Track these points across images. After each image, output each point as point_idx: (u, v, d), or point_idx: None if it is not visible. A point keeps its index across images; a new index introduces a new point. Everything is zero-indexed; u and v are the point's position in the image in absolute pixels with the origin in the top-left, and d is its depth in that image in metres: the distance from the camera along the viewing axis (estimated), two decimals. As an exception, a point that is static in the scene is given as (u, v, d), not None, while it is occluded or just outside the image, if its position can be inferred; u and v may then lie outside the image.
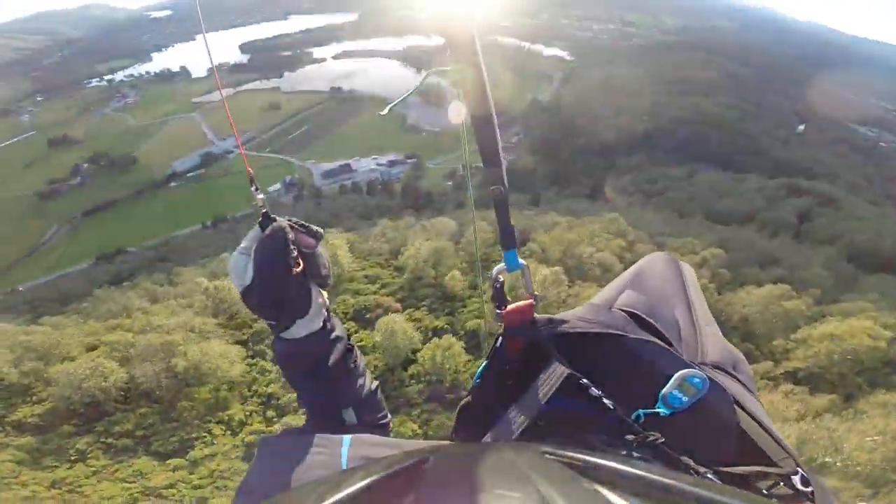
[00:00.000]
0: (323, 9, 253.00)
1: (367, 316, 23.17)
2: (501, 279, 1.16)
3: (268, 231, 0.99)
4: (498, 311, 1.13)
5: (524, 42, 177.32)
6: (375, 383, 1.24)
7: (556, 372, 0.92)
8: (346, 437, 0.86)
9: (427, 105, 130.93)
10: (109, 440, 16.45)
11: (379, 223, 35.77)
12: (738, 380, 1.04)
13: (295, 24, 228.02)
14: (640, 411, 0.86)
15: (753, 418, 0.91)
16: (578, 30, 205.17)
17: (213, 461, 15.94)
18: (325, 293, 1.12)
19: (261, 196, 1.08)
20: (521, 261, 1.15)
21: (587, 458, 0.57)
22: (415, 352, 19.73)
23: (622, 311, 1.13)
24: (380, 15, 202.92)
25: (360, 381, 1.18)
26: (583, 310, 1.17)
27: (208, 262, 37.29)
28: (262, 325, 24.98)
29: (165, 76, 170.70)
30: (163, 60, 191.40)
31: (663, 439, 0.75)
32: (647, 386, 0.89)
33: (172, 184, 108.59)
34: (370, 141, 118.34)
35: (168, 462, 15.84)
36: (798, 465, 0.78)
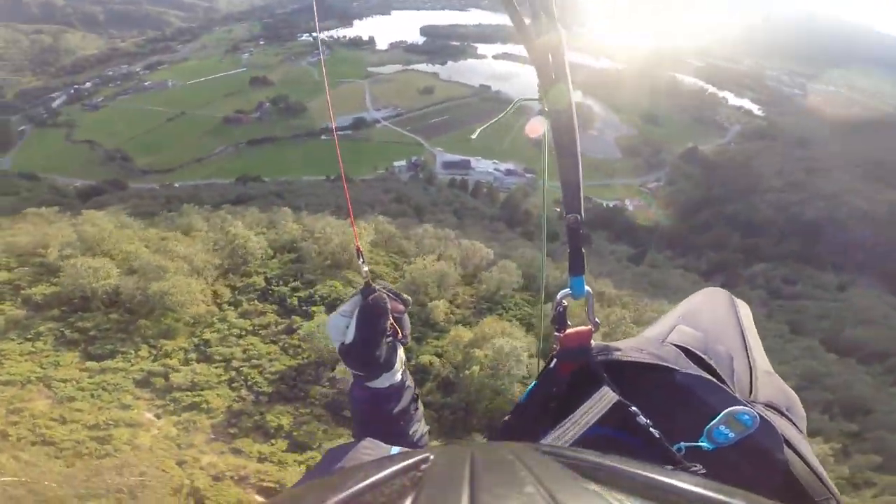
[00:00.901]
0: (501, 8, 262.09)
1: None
2: (565, 303, 1.19)
3: (371, 299, 1.16)
4: (557, 333, 1.18)
5: (709, 85, 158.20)
6: (426, 428, 1.37)
7: (606, 398, 0.92)
8: (395, 447, 0.95)
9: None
10: (66, 331, 19.19)
11: (423, 227, 35.11)
12: (791, 421, 1.04)
13: (472, 17, 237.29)
14: (682, 444, 0.85)
15: (802, 458, 0.89)
16: (785, 85, 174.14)
17: (116, 375, 17.46)
18: (402, 350, 1.29)
19: (366, 268, 1.28)
20: (587, 288, 1.18)
21: (587, 458, 0.56)
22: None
23: (675, 345, 1.13)
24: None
25: (416, 427, 1.31)
26: (635, 341, 1.17)
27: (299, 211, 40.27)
28: (249, 280, 26.59)
29: (356, 42, 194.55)
30: (359, 28, 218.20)
31: (704, 471, 0.73)
32: (694, 420, 0.89)
33: (323, 137, 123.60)
34: (498, 144, 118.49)
35: (85, 363, 17.79)
36: None
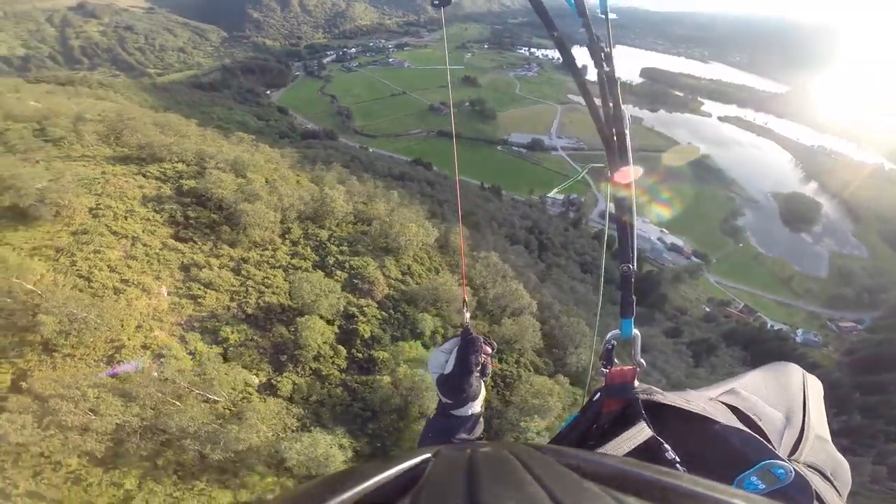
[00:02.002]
0: (755, 70, 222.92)
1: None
2: (614, 343, 1.38)
3: (470, 341, 1.47)
4: (604, 369, 1.35)
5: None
6: None
7: (642, 432, 1.00)
8: None
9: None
10: (179, 213, 27.94)
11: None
12: (833, 485, 1.11)
13: (711, 71, 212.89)
14: None
15: None
16: None
17: (174, 254, 22.90)
18: (484, 386, 1.58)
19: (468, 316, 1.61)
20: (634, 330, 1.35)
21: (587, 458, 0.59)
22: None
23: (723, 403, 1.23)
24: (811, 99, 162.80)
25: None
26: (686, 393, 1.27)
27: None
28: (317, 231, 30.30)
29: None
30: (576, 54, 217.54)
31: None
32: (727, 468, 0.94)
33: (499, 147, 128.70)
34: (678, 213, 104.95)
35: (168, 238, 23.97)
36: None
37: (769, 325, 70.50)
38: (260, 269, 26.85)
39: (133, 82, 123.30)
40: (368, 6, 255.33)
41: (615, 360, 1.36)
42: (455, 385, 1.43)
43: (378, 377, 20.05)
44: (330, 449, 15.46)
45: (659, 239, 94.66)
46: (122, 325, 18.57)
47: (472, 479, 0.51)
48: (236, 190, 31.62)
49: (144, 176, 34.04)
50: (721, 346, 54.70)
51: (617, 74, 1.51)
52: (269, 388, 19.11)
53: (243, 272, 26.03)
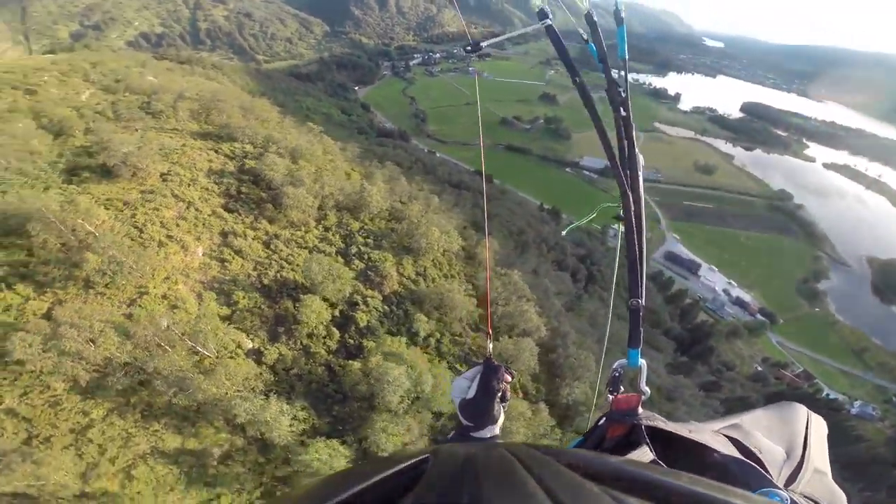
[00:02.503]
0: (879, 115, 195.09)
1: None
2: (621, 370, 1.49)
3: (493, 370, 1.61)
4: (610, 395, 1.44)
5: None
6: None
7: (643, 457, 1.04)
8: None
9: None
10: (234, 188, 31.68)
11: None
12: None
13: (825, 111, 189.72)
14: None
15: None
16: None
17: (218, 222, 26.09)
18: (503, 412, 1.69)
19: (491, 346, 1.80)
20: (641, 360, 1.46)
21: (587, 458, 0.59)
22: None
23: (725, 435, 1.30)
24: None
25: None
26: (690, 424, 1.33)
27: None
28: (350, 221, 32.41)
29: (658, 93, 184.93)
30: (671, 81, 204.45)
31: None
32: None
33: (568, 169, 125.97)
34: (751, 265, 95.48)
35: (218, 208, 27.38)
36: None
37: (824, 393, 62.72)
38: (287, 247, 29.31)
39: (242, 66, 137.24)
40: (458, 14, 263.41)
41: (621, 387, 1.45)
42: (477, 409, 1.55)
43: (351, 362, 21.09)
44: (280, 416, 16.71)
45: (724, 291, 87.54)
46: (153, 275, 21.51)
47: (472, 479, 0.51)
48: (286, 174, 34.75)
49: (216, 152, 38.52)
50: (760, 406, 49.31)
51: (632, 118, 1.71)
52: (257, 354, 21.02)
53: (272, 246, 28.63)
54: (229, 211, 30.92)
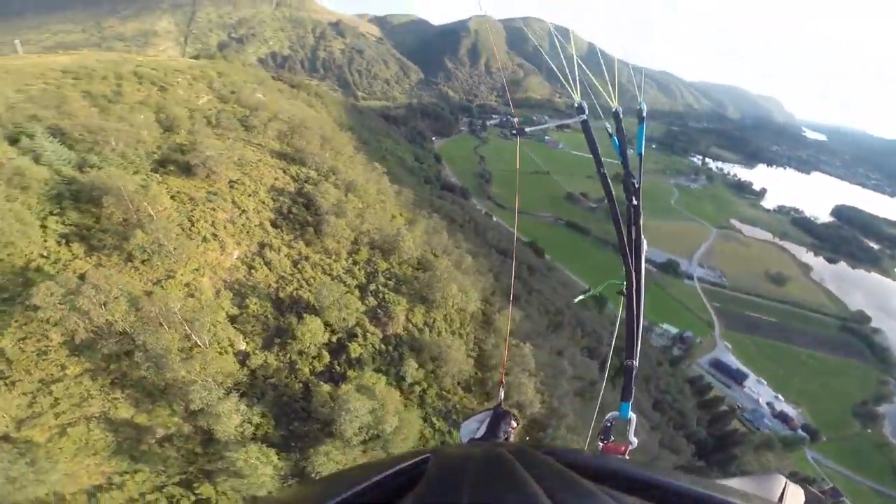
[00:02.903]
0: None
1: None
2: (612, 421, 1.64)
3: (502, 415, 1.82)
4: (601, 443, 1.57)
5: None
6: None
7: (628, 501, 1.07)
8: None
9: None
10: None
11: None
12: None
13: None
14: None
15: None
16: None
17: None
18: None
19: (502, 394, 2.12)
20: (631, 413, 1.61)
21: (586, 458, 0.61)
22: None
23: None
24: None
25: None
26: (688, 485, 1.23)
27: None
28: (375, 261, 34.17)
29: (741, 186, 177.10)
30: (758, 174, 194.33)
31: None
32: None
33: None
34: (805, 379, 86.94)
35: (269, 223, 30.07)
36: None
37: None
38: (313, 270, 31.36)
39: (342, 100, 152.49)
40: (544, 81, 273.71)
41: (612, 436, 1.59)
42: None
43: (323, 385, 21.60)
44: (232, 413, 17.40)
45: (768, 403, 79.74)
46: (186, 263, 24.10)
47: (472, 479, 0.52)
48: (334, 203, 37.72)
49: (284, 171, 42.97)
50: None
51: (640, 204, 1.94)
52: (244, 356, 22.30)
53: (299, 266, 30.81)
54: (275, 226, 33.98)
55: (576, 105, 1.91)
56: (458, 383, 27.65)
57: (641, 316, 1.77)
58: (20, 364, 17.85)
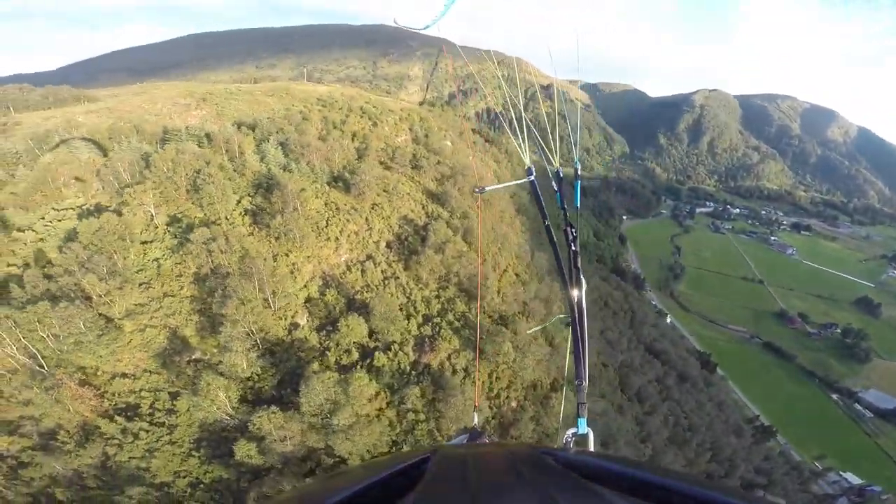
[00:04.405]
0: None
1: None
2: (572, 437, 1.91)
3: (477, 434, 2.15)
4: None
5: None
6: None
7: None
8: None
9: None
10: None
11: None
12: None
13: None
14: None
15: None
16: None
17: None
18: None
19: (477, 418, 3.30)
20: (587, 427, 1.90)
21: (587, 458, 0.63)
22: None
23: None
24: None
25: None
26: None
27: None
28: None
29: None
30: None
31: None
32: None
33: (835, 396, 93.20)
34: None
35: None
36: None
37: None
38: (396, 289, 37.21)
39: (533, 162, 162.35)
40: (786, 168, 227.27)
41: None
42: None
43: (313, 365, 26.36)
44: (239, 355, 23.62)
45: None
46: (301, 250, 33.39)
47: (473, 479, 0.55)
48: (441, 241, 43.29)
49: (422, 206, 51.64)
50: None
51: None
52: (294, 326, 29.42)
53: (386, 281, 37.20)
54: (388, 247, 41.80)
55: (526, 168, 2.23)
56: (455, 428, 28.36)
57: (586, 343, 2.09)
58: (163, 276, 28.92)
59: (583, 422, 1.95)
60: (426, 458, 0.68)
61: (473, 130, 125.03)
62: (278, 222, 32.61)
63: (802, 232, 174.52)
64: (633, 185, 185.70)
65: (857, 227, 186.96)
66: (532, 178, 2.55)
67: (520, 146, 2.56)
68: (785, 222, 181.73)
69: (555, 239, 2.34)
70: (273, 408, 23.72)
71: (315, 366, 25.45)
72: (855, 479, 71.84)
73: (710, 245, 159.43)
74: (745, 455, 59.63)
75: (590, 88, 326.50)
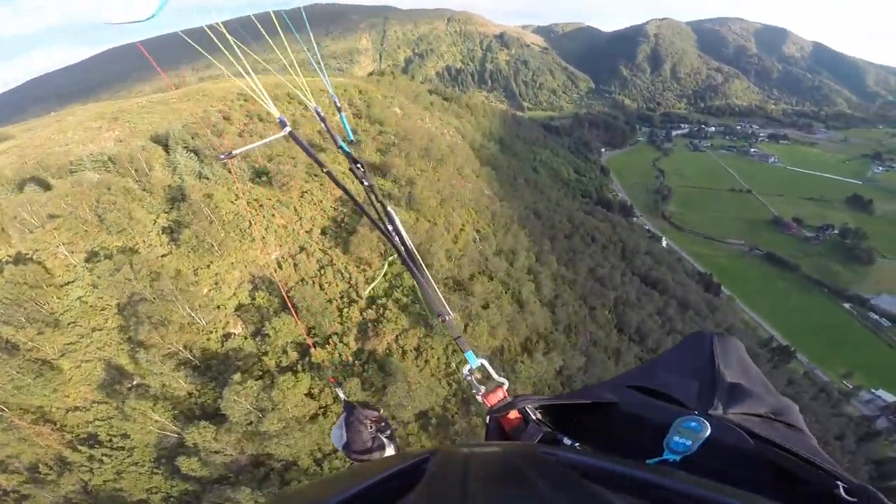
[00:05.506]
0: None
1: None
2: (470, 373, 1.85)
3: (347, 413, 1.95)
4: (479, 398, 1.75)
5: None
6: None
7: (532, 431, 1.25)
8: None
9: None
10: None
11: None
12: (781, 421, 1.23)
13: None
14: (650, 461, 1.00)
15: (781, 448, 1.02)
16: None
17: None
18: (387, 439, 1.99)
19: (341, 393, 2.17)
20: (478, 359, 1.83)
21: (587, 458, 0.63)
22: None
23: (632, 386, 1.41)
24: None
25: None
26: (590, 387, 1.50)
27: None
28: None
29: None
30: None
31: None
32: (653, 439, 1.07)
33: (846, 305, 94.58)
34: None
35: None
36: (841, 481, 0.86)
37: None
38: (333, 276, 36.47)
39: (501, 111, 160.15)
40: (752, 85, 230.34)
41: (482, 386, 1.80)
42: (356, 449, 1.89)
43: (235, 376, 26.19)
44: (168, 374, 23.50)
45: None
46: (223, 258, 32.29)
47: (472, 479, 0.54)
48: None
49: (363, 183, 50.18)
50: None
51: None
52: (227, 336, 28.82)
53: (322, 270, 36.40)
54: (323, 233, 40.66)
55: (277, 120, 2.09)
56: (423, 416, 28.42)
57: (427, 275, 1.98)
58: (89, 313, 28.15)
59: (470, 355, 1.88)
60: (426, 458, 0.69)
61: (430, 91, 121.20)
62: (187, 235, 31.47)
63: (781, 141, 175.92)
64: (605, 118, 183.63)
65: (833, 132, 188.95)
66: (287, 129, 2.16)
67: (261, 100, 2.10)
68: (762, 134, 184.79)
69: (343, 185, 2.20)
70: (203, 422, 23.92)
71: (237, 376, 25.01)
72: (890, 397, 71.21)
73: (692, 164, 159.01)
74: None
75: (543, 31, 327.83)
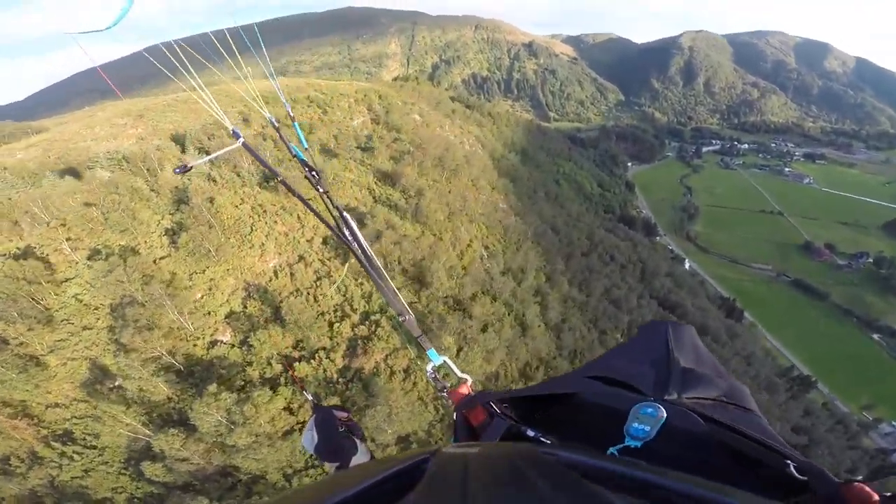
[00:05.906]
0: None
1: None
2: (434, 371, 1.95)
3: (317, 415, 1.97)
4: (443, 394, 1.83)
5: None
6: None
7: (498, 425, 1.28)
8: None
9: None
10: None
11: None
12: (733, 404, 1.30)
13: None
14: (613, 448, 1.06)
15: (734, 430, 1.04)
16: None
17: None
18: (362, 442, 2.05)
19: (310, 396, 2.35)
20: (440, 357, 1.93)
21: (587, 458, 0.63)
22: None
23: (591, 376, 1.43)
24: None
25: None
26: (549, 381, 1.54)
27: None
28: None
29: None
30: None
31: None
32: (614, 427, 1.11)
33: (875, 336, 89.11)
34: None
35: None
36: (792, 460, 0.91)
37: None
38: (329, 287, 36.20)
39: (526, 120, 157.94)
40: (789, 101, 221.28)
41: (447, 384, 1.91)
42: (329, 451, 1.90)
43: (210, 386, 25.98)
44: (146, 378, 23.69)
45: None
46: (219, 264, 32.38)
47: (473, 479, 0.54)
48: (384, 227, 42.01)
49: (370, 191, 50.13)
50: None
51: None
52: (213, 343, 28.80)
53: (319, 282, 36.16)
54: (324, 243, 40.51)
55: (231, 131, 2.11)
56: (403, 440, 27.68)
57: (384, 275, 2.03)
58: (83, 311, 28.51)
59: (433, 352, 1.99)
60: (426, 458, 0.69)
61: (452, 98, 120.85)
62: (185, 239, 31.70)
63: (817, 161, 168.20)
64: (633, 131, 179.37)
65: (874, 153, 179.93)
66: (241, 140, 2.30)
67: (215, 113, 2.14)
68: (797, 153, 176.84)
69: (299, 193, 2.36)
70: (173, 429, 23.98)
71: (213, 387, 24.82)
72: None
73: (722, 182, 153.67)
74: (780, 413, 56.89)
75: (573, 41, 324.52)
